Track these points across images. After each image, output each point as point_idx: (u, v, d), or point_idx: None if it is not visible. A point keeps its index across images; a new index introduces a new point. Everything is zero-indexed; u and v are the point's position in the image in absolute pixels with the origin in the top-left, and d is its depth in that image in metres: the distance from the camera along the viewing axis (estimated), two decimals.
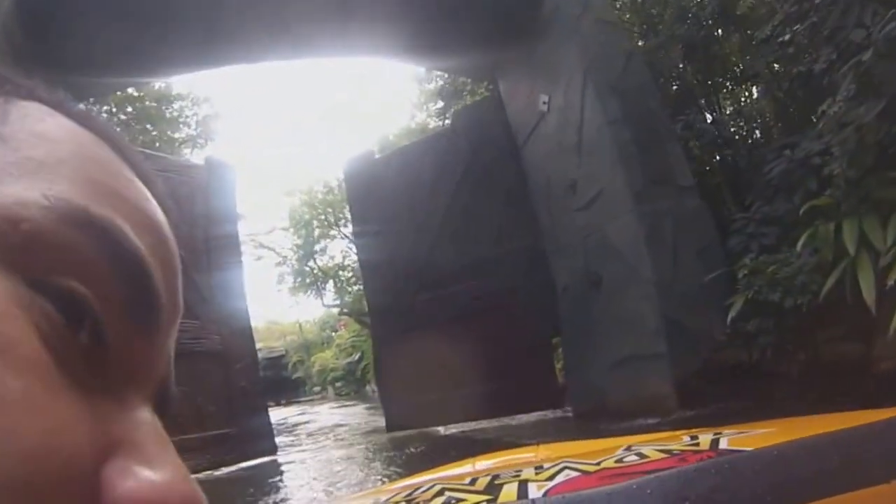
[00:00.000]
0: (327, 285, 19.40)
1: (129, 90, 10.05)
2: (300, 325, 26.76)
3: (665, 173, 4.71)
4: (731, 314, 3.94)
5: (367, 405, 13.41)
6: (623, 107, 4.65)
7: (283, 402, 20.95)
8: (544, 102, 5.26)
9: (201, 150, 13.07)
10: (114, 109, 10.45)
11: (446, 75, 9.56)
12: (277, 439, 8.18)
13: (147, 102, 10.88)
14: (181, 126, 12.42)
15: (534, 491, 0.62)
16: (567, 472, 0.69)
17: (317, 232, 18.60)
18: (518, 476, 0.73)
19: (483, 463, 1.27)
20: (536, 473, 0.72)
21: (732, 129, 6.05)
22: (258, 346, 27.37)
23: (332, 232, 18.70)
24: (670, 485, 0.46)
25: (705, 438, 0.74)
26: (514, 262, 5.75)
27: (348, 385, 20.52)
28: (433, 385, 5.99)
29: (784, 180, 4.29)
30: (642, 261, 4.38)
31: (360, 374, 19.51)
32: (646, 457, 0.71)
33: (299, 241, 18.72)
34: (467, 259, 6.01)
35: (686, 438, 0.80)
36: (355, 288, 18.80)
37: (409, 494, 0.78)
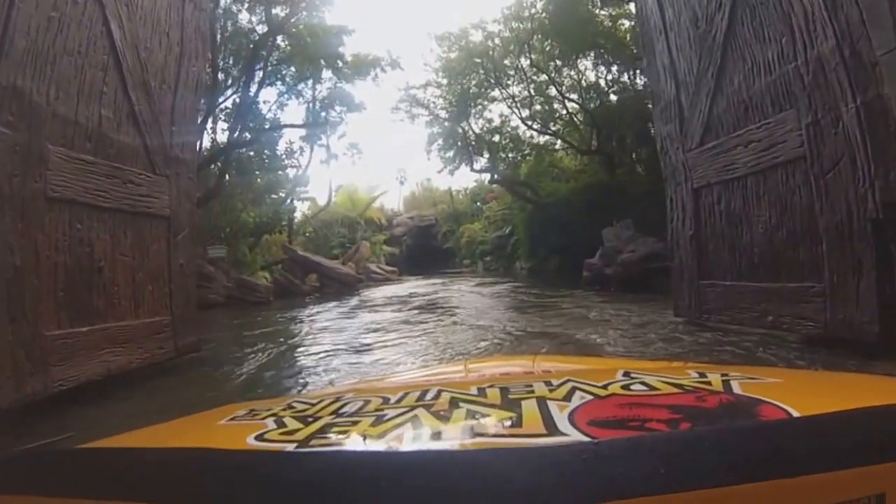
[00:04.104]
0: (482, 151, 17.17)
1: None
2: (451, 194, 25.72)
3: None
4: None
5: (514, 284, 11.64)
6: None
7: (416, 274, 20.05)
8: None
9: None
10: None
11: None
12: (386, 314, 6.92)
13: None
14: None
15: (556, 412, 0.58)
16: (579, 393, 0.64)
17: (473, 90, 16.09)
18: (532, 392, 0.68)
19: (476, 367, 1.30)
20: (550, 391, 0.67)
21: None
22: (411, 213, 27.47)
23: (493, 93, 16.12)
24: (729, 441, 0.43)
25: (715, 378, 0.69)
26: (812, 94, 3.38)
27: (497, 260, 19.25)
28: (725, 267, 4.31)
29: None
30: None
31: (509, 249, 18.00)
32: (654, 388, 0.67)
33: (452, 98, 16.41)
34: (754, 97, 3.89)
35: (693, 374, 0.74)
36: (510, 156, 16.64)
37: (420, 398, 0.72)
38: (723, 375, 0.70)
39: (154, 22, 3.94)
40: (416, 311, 7.33)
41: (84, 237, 3.23)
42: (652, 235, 8.53)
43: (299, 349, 4.83)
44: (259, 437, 0.62)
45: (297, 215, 18.00)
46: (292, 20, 10.66)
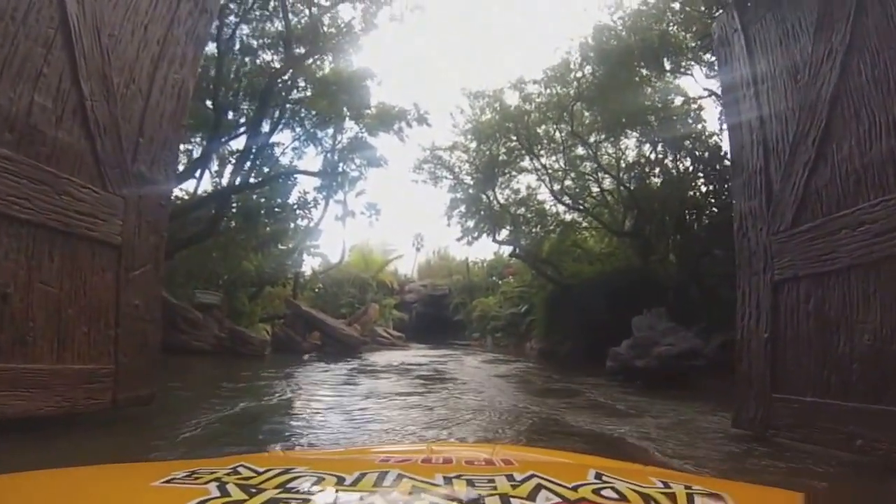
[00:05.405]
0: (505, 223, 16.36)
1: None
2: (468, 265, 25.08)
3: None
4: None
5: (526, 365, 10.95)
6: None
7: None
8: None
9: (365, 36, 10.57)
10: None
11: None
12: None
13: None
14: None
15: None
16: (545, 493, 0.63)
17: (502, 157, 15.40)
18: (494, 487, 0.65)
19: (439, 449, 1.27)
20: (513, 487, 0.66)
21: None
22: (424, 281, 26.75)
23: (523, 162, 15.40)
24: None
25: (679, 490, 0.67)
26: None
27: (508, 337, 18.30)
28: (807, 381, 3.37)
29: None
30: None
31: (523, 328, 17.07)
32: (624, 496, 0.64)
33: (479, 164, 15.77)
34: (872, 167, 3.05)
35: (657, 483, 0.71)
36: (535, 230, 15.89)
37: (377, 482, 0.67)
38: (686, 487, 0.68)
39: (130, 8, 3.28)
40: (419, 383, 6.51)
41: None
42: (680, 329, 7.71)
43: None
44: None
45: (307, 270, 17.36)
46: (314, 57, 10.27)
